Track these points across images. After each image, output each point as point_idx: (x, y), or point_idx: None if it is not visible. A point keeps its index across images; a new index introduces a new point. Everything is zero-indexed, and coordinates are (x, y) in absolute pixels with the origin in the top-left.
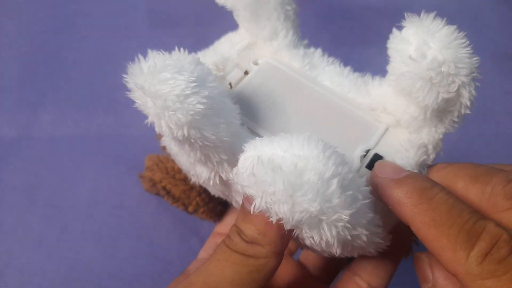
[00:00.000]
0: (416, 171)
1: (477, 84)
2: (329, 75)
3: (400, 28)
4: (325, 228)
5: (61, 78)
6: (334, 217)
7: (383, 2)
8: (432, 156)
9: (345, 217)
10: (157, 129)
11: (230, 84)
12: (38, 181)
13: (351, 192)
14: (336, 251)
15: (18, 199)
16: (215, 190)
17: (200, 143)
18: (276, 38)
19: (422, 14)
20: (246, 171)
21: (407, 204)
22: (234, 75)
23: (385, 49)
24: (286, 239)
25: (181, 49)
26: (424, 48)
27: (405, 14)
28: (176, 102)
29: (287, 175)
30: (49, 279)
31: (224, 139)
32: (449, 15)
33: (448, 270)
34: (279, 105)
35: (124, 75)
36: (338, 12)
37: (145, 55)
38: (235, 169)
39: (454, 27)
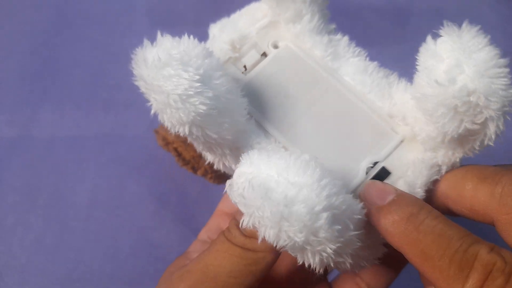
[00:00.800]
0: (423, 189)
1: (508, 118)
2: (352, 70)
3: (435, 36)
4: (309, 255)
5: (61, 78)
6: (319, 248)
7: (383, 2)
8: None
9: (330, 250)
10: (160, 120)
11: (244, 66)
12: (38, 181)
13: (339, 227)
14: (317, 270)
15: (18, 199)
16: (219, 167)
17: (203, 140)
18: (299, 22)
19: (464, 25)
20: (238, 190)
21: (395, 234)
22: (250, 58)
23: (385, 49)
24: None
25: (191, 37)
26: (456, 71)
27: (445, 23)
28: (178, 102)
29: (276, 205)
30: (49, 279)
31: (227, 137)
32: (449, 15)
33: None
34: (292, 99)
35: (130, 67)
36: (338, 12)
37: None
38: (229, 181)
39: (496, 50)
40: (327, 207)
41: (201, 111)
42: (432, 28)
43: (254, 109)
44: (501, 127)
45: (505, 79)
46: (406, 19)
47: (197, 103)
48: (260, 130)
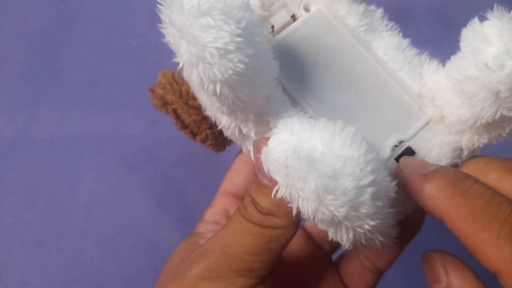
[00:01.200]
0: None
1: None
2: (385, 45)
3: (482, 19)
4: (343, 230)
5: (60, 78)
6: (357, 223)
7: (382, 2)
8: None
9: (367, 227)
10: (185, 75)
11: (272, 27)
12: (38, 181)
13: (381, 203)
14: (345, 246)
15: (17, 199)
16: (228, 134)
17: (231, 102)
18: None
19: None
20: (278, 159)
21: (440, 198)
22: (279, 18)
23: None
24: None
25: None
26: (505, 57)
27: (495, 6)
28: (215, 56)
29: (321, 176)
30: (49, 279)
31: (258, 101)
32: (449, 15)
33: (488, 267)
34: (321, 67)
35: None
36: None
37: (145, 56)
38: (263, 149)
39: None
40: (372, 183)
41: (239, 69)
42: (432, 28)
43: (282, 74)
44: None
45: None
46: (406, 19)
47: (235, 60)
48: (286, 97)
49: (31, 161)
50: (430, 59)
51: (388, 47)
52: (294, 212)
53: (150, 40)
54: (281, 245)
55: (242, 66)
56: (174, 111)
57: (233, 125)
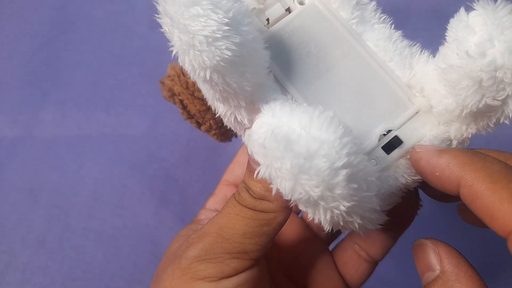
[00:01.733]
0: None
1: None
2: (376, 36)
3: (469, 9)
4: (321, 211)
5: (62, 79)
6: (332, 204)
7: (382, 2)
8: None
9: (343, 208)
10: (180, 63)
11: (267, 20)
12: (40, 181)
13: (356, 185)
14: (326, 228)
15: (20, 198)
16: (228, 123)
17: (221, 88)
18: None
19: (499, 1)
20: (258, 140)
21: (458, 164)
22: (274, 11)
23: None
24: None
25: None
26: (487, 45)
27: None
28: (203, 43)
29: (297, 157)
30: (50, 278)
31: (246, 88)
32: (449, 16)
33: (501, 228)
34: (313, 58)
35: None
36: None
37: (146, 56)
38: (247, 131)
39: None
40: (346, 165)
41: (226, 56)
42: (431, 29)
43: (274, 64)
44: None
45: None
46: (405, 19)
47: (223, 47)
48: (277, 85)
49: (34, 160)
50: (422, 51)
51: (379, 38)
52: (273, 192)
53: (151, 41)
54: (274, 228)
55: (229, 53)
56: (181, 101)
57: (228, 113)
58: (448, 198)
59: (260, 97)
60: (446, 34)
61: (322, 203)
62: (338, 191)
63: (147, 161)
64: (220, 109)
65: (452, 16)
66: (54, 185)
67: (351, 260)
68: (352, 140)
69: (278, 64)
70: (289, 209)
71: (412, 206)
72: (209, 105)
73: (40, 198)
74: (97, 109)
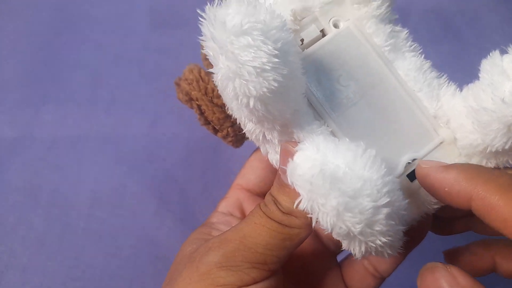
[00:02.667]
0: None
1: None
2: (407, 65)
3: (503, 52)
4: (356, 243)
5: (62, 79)
6: (370, 239)
7: None
8: None
9: (379, 243)
10: (219, 86)
11: (302, 40)
12: (40, 181)
13: (394, 222)
14: (356, 255)
15: (19, 198)
16: (254, 139)
17: (261, 114)
18: (367, 5)
19: None
20: (304, 175)
21: (466, 178)
22: (309, 33)
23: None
24: None
25: (270, 4)
26: None
27: None
28: (252, 74)
29: (342, 195)
30: (50, 278)
31: (286, 116)
32: (448, 16)
33: None
34: (345, 82)
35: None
36: None
37: (146, 56)
38: (291, 164)
39: None
40: (387, 204)
41: (273, 87)
42: (431, 28)
43: (308, 88)
44: None
45: None
46: (405, 19)
47: (270, 78)
48: (310, 110)
49: (33, 161)
50: (449, 83)
51: (410, 68)
52: (313, 224)
53: (151, 41)
54: (295, 244)
55: (276, 84)
56: (199, 107)
57: (257, 131)
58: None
59: (295, 122)
60: (480, 74)
61: (360, 237)
62: (377, 227)
63: (147, 161)
64: (249, 126)
65: (452, 17)
66: (54, 185)
67: (358, 274)
68: (392, 179)
69: (312, 88)
70: (311, 227)
71: (424, 224)
72: (228, 113)
73: (40, 198)
74: (97, 109)
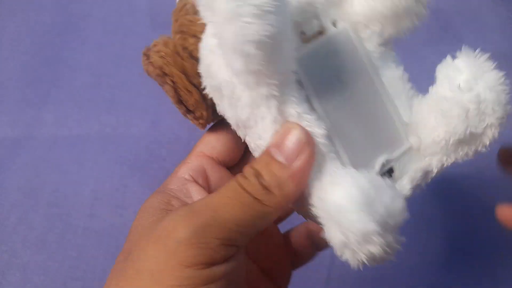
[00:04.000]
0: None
1: (502, 129)
2: (391, 74)
3: (454, 56)
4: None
5: (63, 79)
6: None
7: None
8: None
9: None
10: (217, 36)
11: (302, 32)
12: (41, 181)
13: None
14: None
15: (20, 198)
16: (231, 120)
17: (260, 67)
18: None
19: (477, 51)
20: (353, 222)
21: None
22: (309, 27)
23: None
24: (297, 199)
25: None
26: (472, 82)
27: (463, 46)
28: (254, 16)
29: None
30: (51, 278)
31: (280, 77)
32: (448, 16)
33: None
34: (341, 84)
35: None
36: None
37: None
38: (334, 201)
39: (502, 73)
40: (396, 229)
41: (272, 31)
42: (430, 29)
43: (306, 78)
44: (496, 135)
45: (508, 96)
46: None
47: (272, 20)
48: (302, 92)
49: (34, 161)
50: (418, 94)
51: (393, 76)
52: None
53: (151, 41)
54: (265, 224)
55: (274, 30)
56: (174, 84)
57: (246, 109)
58: None
59: (286, 97)
60: (436, 75)
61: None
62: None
63: (147, 161)
64: (242, 101)
65: (450, 17)
66: (55, 185)
67: (302, 237)
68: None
69: (308, 78)
70: (282, 211)
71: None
72: (205, 94)
73: (40, 198)
74: (98, 109)
